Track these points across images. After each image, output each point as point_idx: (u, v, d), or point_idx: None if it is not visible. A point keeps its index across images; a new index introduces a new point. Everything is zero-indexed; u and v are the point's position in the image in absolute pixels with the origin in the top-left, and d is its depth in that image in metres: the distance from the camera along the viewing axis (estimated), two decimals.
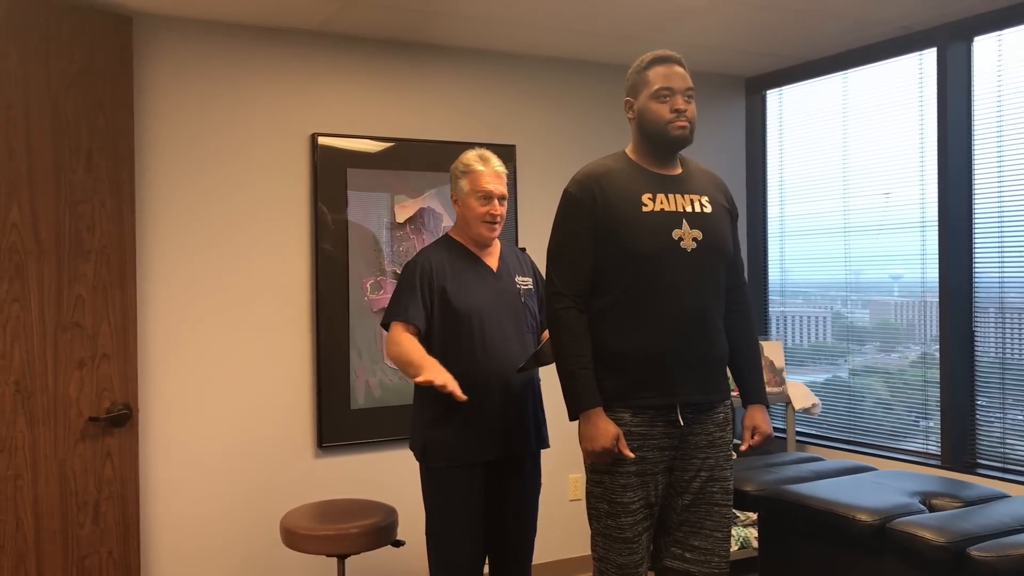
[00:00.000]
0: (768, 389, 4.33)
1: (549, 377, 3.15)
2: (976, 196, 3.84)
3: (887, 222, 4.24)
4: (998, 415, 3.79)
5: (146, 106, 3.55)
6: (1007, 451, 3.76)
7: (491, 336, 2.86)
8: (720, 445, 2.57)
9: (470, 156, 2.92)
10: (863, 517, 2.76)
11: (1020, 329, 3.71)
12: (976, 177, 3.84)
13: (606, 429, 2.43)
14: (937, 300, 3.94)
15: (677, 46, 4.07)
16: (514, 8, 3.56)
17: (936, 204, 3.93)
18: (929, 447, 4.05)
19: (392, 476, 3.97)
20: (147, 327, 3.54)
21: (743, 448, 2.66)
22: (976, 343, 3.86)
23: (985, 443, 3.84)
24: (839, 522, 2.82)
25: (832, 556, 2.89)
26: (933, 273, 3.97)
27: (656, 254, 2.47)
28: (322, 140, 3.83)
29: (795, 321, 4.80)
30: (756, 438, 2.65)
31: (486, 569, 2.98)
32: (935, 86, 3.93)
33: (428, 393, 2.78)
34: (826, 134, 4.52)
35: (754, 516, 4.19)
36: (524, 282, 3.01)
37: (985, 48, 3.81)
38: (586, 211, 2.51)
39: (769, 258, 4.88)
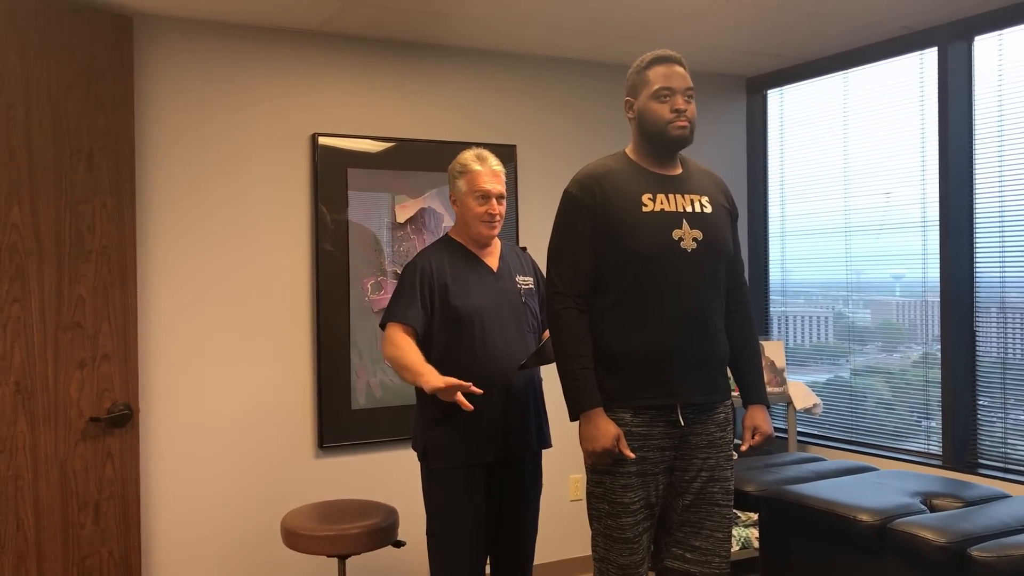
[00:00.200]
0: (769, 389, 4.33)
1: (551, 377, 3.15)
2: (977, 196, 3.84)
3: (888, 222, 4.23)
4: (999, 415, 3.79)
5: (146, 106, 3.55)
6: (1008, 451, 3.75)
7: (492, 336, 2.86)
8: (721, 445, 2.57)
9: (467, 156, 2.92)
10: (864, 517, 2.76)
11: (1021, 329, 3.71)
12: (977, 176, 3.84)
13: (606, 429, 2.43)
14: (938, 300, 3.93)
15: (678, 46, 4.08)
16: (515, 8, 3.56)
17: (937, 204, 3.92)
18: (930, 447, 4.05)
19: (393, 476, 3.97)
20: (148, 327, 3.54)
21: (744, 448, 2.66)
22: (977, 343, 3.86)
23: (986, 443, 3.83)
24: (840, 522, 2.81)
25: (833, 556, 2.89)
26: (934, 273, 3.96)
27: (656, 254, 2.46)
28: (323, 140, 3.83)
29: (797, 321, 4.80)
30: (757, 438, 2.65)
31: (487, 569, 2.97)
32: (936, 86, 3.93)
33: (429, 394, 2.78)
34: (827, 134, 4.52)
35: (755, 516, 4.19)
36: (525, 282, 3.00)
37: (986, 48, 3.81)
38: (586, 211, 2.51)
39: (770, 258, 4.87)
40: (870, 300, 4.41)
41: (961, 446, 3.87)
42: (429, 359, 2.80)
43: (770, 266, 4.88)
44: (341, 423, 3.85)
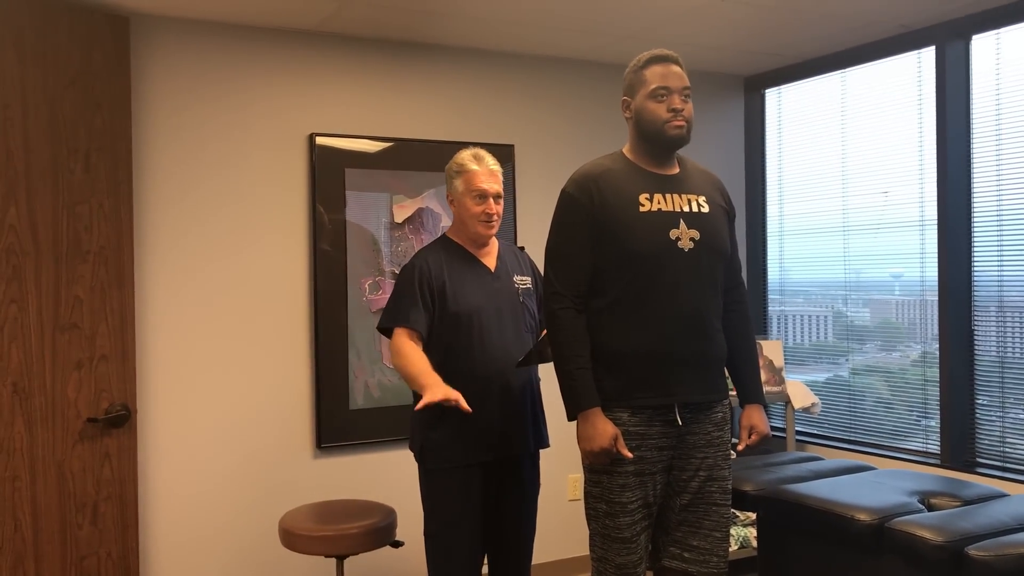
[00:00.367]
0: (767, 388, 4.32)
1: (548, 377, 3.15)
2: (975, 194, 3.83)
3: (886, 221, 4.23)
4: (998, 414, 3.79)
5: (143, 107, 3.55)
6: (1007, 450, 3.75)
7: (490, 336, 2.86)
8: (718, 445, 2.57)
9: (464, 155, 2.92)
10: (862, 517, 2.76)
11: (1019, 328, 3.71)
12: (975, 175, 3.83)
13: (604, 429, 2.43)
14: (936, 299, 3.93)
15: (676, 45, 4.07)
16: (513, 7, 3.56)
17: (935, 202, 3.92)
18: (929, 446, 4.05)
19: (391, 476, 3.96)
20: (145, 328, 3.54)
21: (740, 448, 2.66)
22: (976, 342, 3.86)
23: (985, 442, 3.83)
24: (838, 522, 2.81)
25: (831, 555, 2.89)
26: (932, 272, 3.96)
27: (654, 254, 2.46)
28: (320, 140, 3.83)
29: (796, 320, 4.80)
30: (753, 438, 2.65)
31: (485, 569, 2.97)
32: (934, 84, 3.92)
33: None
34: (825, 133, 4.52)
35: (753, 516, 4.19)
36: (523, 281, 3.00)
37: (983, 46, 3.81)
38: (584, 211, 2.51)
39: (768, 257, 4.87)
40: (869, 299, 4.41)
41: (959, 445, 3.87)
42: (432, 362, 2.79)
43: (768, 265, 4.88)
44: (339, 423, 3.85)
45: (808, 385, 4.51)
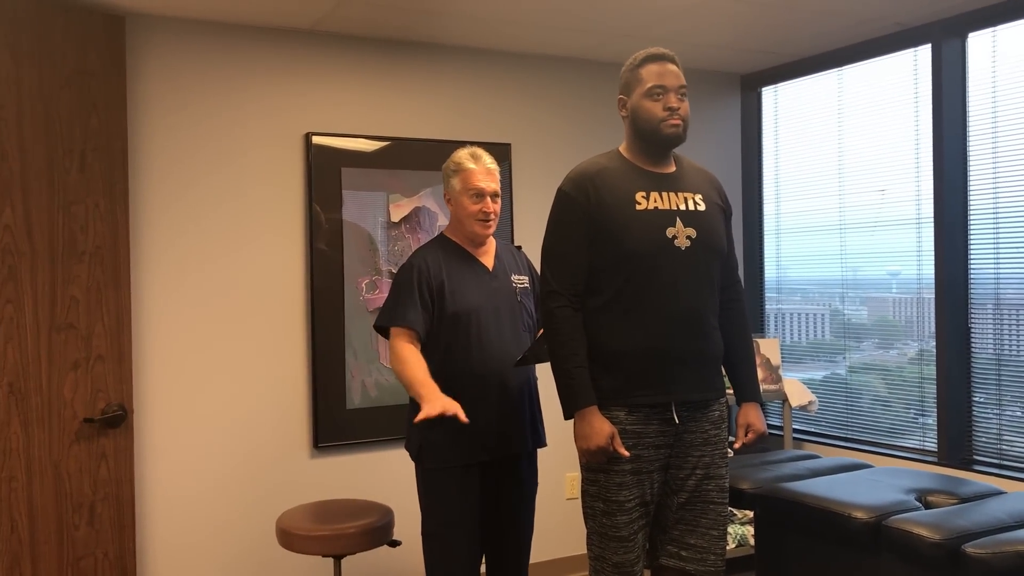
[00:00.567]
0: (764, 387, 4.33)
1: (546, 376, 3.15)
2: (971, 192, 3.84)
3: (883, 219, 4.23)
4: (994, 411, 3.79)
5: (139, 106, 3.55)
6: (1003, 447, 3.75)
7: (488, 336, 2.86)
8: (715, 443, 2.57)
9: (461, 154, 2.91)
10: (859, 515, 2.76)
11: (1016, 325, 3.71)
12: (971, 173, 3.84)
13: (601, 428, 2.42)
14: (933, 297, 3.93)
15: (672, 44, 4.07)
16: (509, 6, 3.55)
17: (932, 200, 3.92)
18: (926, 444, 4.05)
19: (388, 476, 3.96)
20: (141, 328, 3.53)
21: (737, 446, 2.66)
22: (972, 340, 3.86)
23: (982, 439, 3.84)
24: (835, 520, 2.81)
25: (828, 553, 2.89)
26: (929, 270, 3.96)
27: (650, 252, 2.46)
28: (316, 139, 3.82)
29: (793, 318, 4.80)
30: (750, 436, 2.64)
31: (483, 568, 2.97)
32: (930, 82, 3.93)
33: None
34: (821, 131, 4.52)
35: (751, 514, 4.19)
36: (520, 281, 3.00)
37: (979, 44, 3.81)
38: (580, 209, 2.50)
39: (765, 255, 4.87)
40: (866, 297, 4.42)
41: (956, 442, 3.87)
42: (430, 362, 2.79)
43: (765, 263, 4.88)
44: (336, 423, 3.85)
45: (805, 383, 4.51)
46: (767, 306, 4.90)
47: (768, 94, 4.85)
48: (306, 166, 3.83)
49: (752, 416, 2.65)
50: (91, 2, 3.31)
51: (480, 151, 2.93)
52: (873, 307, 4.39)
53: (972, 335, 3.86)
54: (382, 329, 2.86)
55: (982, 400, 3.84)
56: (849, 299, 4.47)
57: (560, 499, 4.36)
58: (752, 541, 4.14)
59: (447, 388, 2.80)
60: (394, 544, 3.21)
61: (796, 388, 4.41)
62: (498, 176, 2.93)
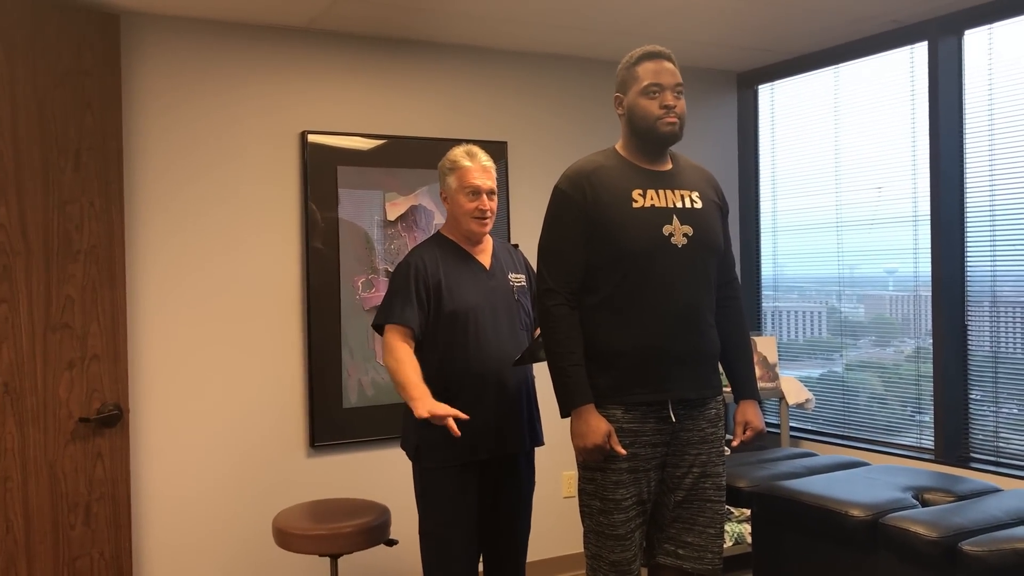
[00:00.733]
0: (761, 384, 4.33)
1: (543, 375, 3.14)
2: (968, 189, 3.84)
3: (880, 216, 4.23)
4: (991, 409, 3.79)
5: (134, 105, 3.54)
6: (1000, 445, 3.76)
7: (485, 334, 2.85)
8: (712, 441, 2.56)
9: (457, 152, 2.91)
10: (856, 513, 2.76)
11: (1012, 322, 3.71)
12: (968, 170, 3.84)
13: (597, 426, 2.42)
14: (930, 294, 3.93)
15: (669, 41, 4.07)
16: (505, 4, 3.55)
17: (928, 198, 3.93)
18: (923, 441, 4.05)
19: (385, 475, 3.96)
20: (137, 327, 3.52)
21: (735, 444, 2.66)
22: (969, 337, 3.86)
23: (979, 437, 3.84)
24: (832, 518, 2.81)
25: (825, 551, 2.89)
26: (926, 267, 3.97)
27: (647, 250, 2.46)
28: (312, 138, 3.81)
29: (789, 316, 4.80)
30: (748, 433, 2.64)
31: (480, 567, 2.97)
32: (926, 80, 3.93)
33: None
34: (818, 129, 4.52)
35: (748, 512, 4.19)
36: (517, 279, 2.99)
37: (976, 41, 3.81)
38: (576, 207, 2.50)
39: (762, 253, 4.87)
40: (862, 295, 4.42)
41: (953, 440, 3.88)
42: (427, 361, 2.79)
43: (762, 261, 4.88)
44: (333, 422, 3.84)
45: (802, 381, 4.51)
46: (764, 304, 4.90)
47: (764, 92, 4.84)
48: (302, 164, 3.83)
49: (750, 414, 2.65)
50: (85, 1, 3.30)
51: (476, 149, 2.92)
52: (870, 305, 4.39)
53: (969, 332, 3.86)
54: (379, 327, 2.85)
55: (979, 397, 3.84)
56: (846, 297, 4.47)
57: (557, 497, 4.36)
58: (749, 539, 4.14)
59: (445, 387, 2.80)
60: (391, 543, 3.20)
61: (793, 386, 4.41)
62: (494, 173, 2.92)
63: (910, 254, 4.08)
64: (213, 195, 3.68)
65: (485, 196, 2.87)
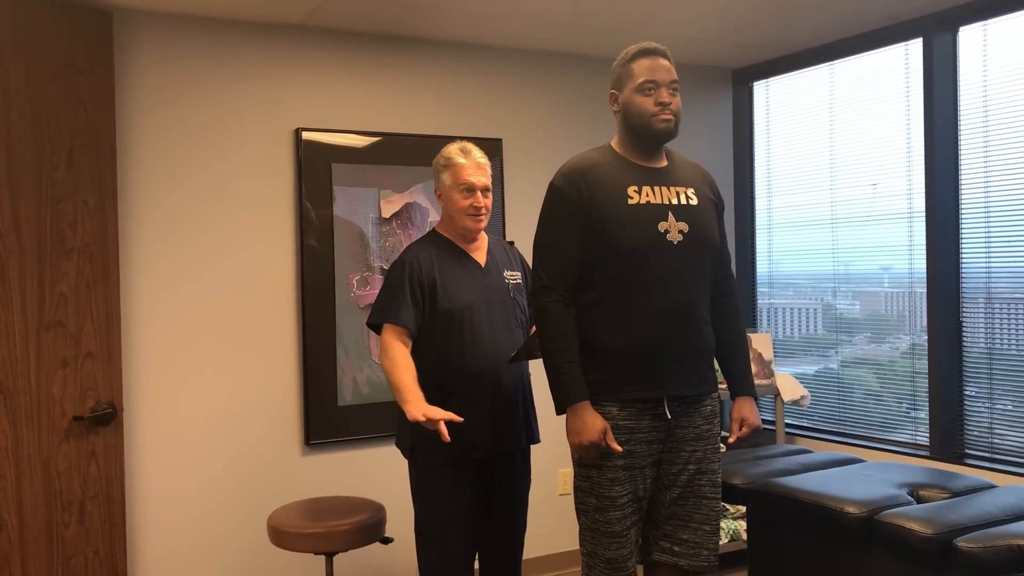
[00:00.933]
0: (757, 381, 4.33)
1: (539, 372, 3.14)
2: (963, 186, 3.84)
3: (875, 213, 4.24)
4: (986, 405, 3.80)
5: (127, 102, 3.52)
6: (995, 441, 3.76)
7: (481, 332, 2.84)
8: (708, 438, 2.56)
9: (451, 149, 2.90)
10: (851, 509, 2.76)
11: (1007, 319, 3.72)
12: (963, 167, 3.84)
13: (593, 423, 2.42)
14: (925, 291, 3.94)
15: (664, 38, 4.07)
16: (500, 1, 3.54)
17: (923, 194, 3.93)
18: (918, 438, 4.06)
19: (380, 473, 3.95)
20: (131, 325, 3.51)
21: (731, 440, 2.66)
22: (964, 333, 3.87)
23: (974, 433, 3.84)
24: (827, 514, 2.81)
25: (821, 548, 2.89)
26: (921, 264, 3.97)
27: (642, 247, 2.46)
28: (306, 135, 3.80)
29: (785, 313, 4.80)
30: (744, 430, 2.64)
31: (476, 565, 2.96)
32: (921, 76, 3.93)
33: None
34: (813, 125, 4.52)
35: (744, 509, 4.20)
36: (513, 277, 2.99)
37: (970, 38, 3.81)
38: (572, 204, 2.50)
39: (757, 250, 4.87)
40: (858, 291, 4.42)
41: (948, 436, 3.88)
42: (423, 359, 2.78)
43: (757, 258, 4.88)
44: (327, 420, 3.83)
45: (797, 377, 4.52)
46: (759, 300, 4.90)
47: (760, 88, 4.84)
48: (296, 162, 3.81)
49: (746, 410, 2.65)
50: None
51: (470, 146, 2.91)
52: (865, 301, 4.40)
53: (964, 329, 3.87)
54: (374, 326, 2.85)
55: (973, 394, 3.85)
56: (841, 293, 4.48)
57: (553, 495, 4.36)
58: (745, 536, 4.15)
59: (440, 386, 2.80)
60: (386, 541, 3.20)
61: (788, 383, 4.42)
62: (489, 170, 2.92)
63: (905, 250, 4.08)
64: (207, 193, 3.66)
65: (480, 193, 2.87)
